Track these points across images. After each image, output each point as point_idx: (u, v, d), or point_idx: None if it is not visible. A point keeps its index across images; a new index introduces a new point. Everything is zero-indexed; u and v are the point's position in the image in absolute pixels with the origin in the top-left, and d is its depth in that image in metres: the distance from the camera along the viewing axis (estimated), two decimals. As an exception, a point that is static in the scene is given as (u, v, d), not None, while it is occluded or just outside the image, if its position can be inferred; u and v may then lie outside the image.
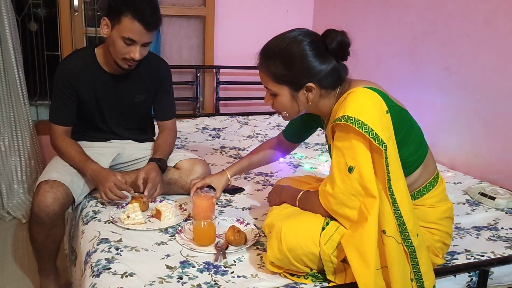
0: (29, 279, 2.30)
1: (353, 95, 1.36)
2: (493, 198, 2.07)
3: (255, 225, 1.77)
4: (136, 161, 2.15)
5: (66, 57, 2.08)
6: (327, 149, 2.09)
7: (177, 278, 1.41)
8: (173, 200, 1.98)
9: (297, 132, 1.82)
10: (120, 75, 2.00)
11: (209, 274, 1.44)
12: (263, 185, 2.25)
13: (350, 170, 1.32)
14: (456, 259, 1.59)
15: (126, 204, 1.84)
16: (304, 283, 1.42)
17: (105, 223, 1.76)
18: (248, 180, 2.29)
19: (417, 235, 1.32)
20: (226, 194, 2.08)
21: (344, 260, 1.36)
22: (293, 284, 1.41)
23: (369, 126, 1.29)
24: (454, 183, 2.37)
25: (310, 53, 1.38)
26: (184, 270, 1.46)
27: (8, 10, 2.75)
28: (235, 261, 1.53)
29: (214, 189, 1.85)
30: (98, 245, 1.58)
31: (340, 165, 1.35)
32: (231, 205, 1.99)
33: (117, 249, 1.56)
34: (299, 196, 1.53)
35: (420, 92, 2.83)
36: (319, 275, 1.43)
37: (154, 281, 1.39)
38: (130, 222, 1.73)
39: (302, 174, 2.32)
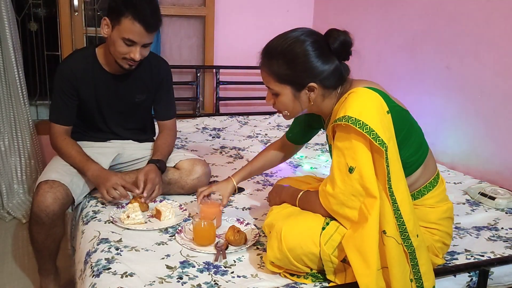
0: (29, 279, 2.30)
1: (354, 95, 1.36)
2: (493, 198, 2.07)
3: (255, 225, 1.77)
4: (136, 161, 2.15)
5: (67, 56, 2.08)
6: (328, 149, 2.08)
7: (177, 278, 1.41)
8: (173, 200, 1.98)
9: (300, 134, 1.82)
10: (120, 75, 2.00)
11: (209, 274, 1.44)
12: (263, 185, 2.25)
13: (351, 170, 1.32)
14: (456, 259, 1.59)
15: (126, 204, 1.84)
16: (304, 283, 1.41)
17: (105, 223, 1.76)
18: (248, 180, 2.28)
19: (417, 236, 1.32)
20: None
21: (344, 260, 1.37)
22: (293, 284, 1.41)
23: (369, 127, 1.29)
24: (454, 183, 2.37)
25: (313, 53, 1.38)
26: (184, 270, 1.46)
27: (8, 10, 2.75)
28: (235, 261, 1.53)
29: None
30: (98, 245, 1.58)
31: (340, 165, 1.35)
32: (231, 205, 1.99)
33: (117, 249, 1.56)
34: (299, 196, 1.53)
35: (420, 92, 2.83)
36: (319, 275, 1.43)
37: (154, 281, 1.39)
38: (130, 222, 1.73)
39: (302, 174, 2.32)
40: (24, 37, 3.21)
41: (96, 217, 1.81)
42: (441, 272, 1.43)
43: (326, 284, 1.42)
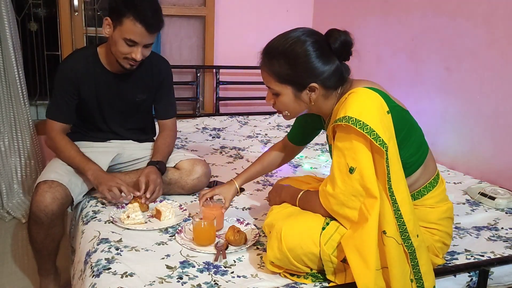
0: (29, 279, 2.30)
1: (354, 96, 1.36)
2: (493, 198, 2.07)
3: (255, 225, 1.77)
4: (136, 161, 2.15)
5: (68, 55, 2.08)
6: (328, 149, 2.08)
7: (177, 278, 1.41)
8: (173, 200, 1.98)
9: (301, 135, 1.81)
10: (122, 74, 2.00)
11: (209, 274, 1.44)
12: (263, 185, 2.25)
13: (351, 170, 1.32)
14: (456, 259, 1.59)
15: (126, 204, 1.84)
16: (304, 283, 1.41)
17: (105, 223, 1.76)
18: (248, 180, 2.28)
19: (417, 236, 1.32)
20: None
21: (344, 260, 1.36)
22: (293, 284, 1.41)
23: (370, 127, 1.29)
24: (454, 183, 2.37)
25: (313, 53, 1.38)
26: (184, 270, 1.46)
27: (8, 10, 2.75)
28: (235, 261, 1.53)
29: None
30: (98, 245, 1.58)
31: (341, 165, 1.35)
32: (231, 205, 1.98)
33: (117, 249, 1.56)
34: (299, 195, 1.53)
35: (420, 92, 2.83)
36: (319, 275, 1.43)
37: (154, 281, 1.39)
38: (130, 222, 1.73)
39: (302, 174, 2.32)
40: (24, 37, 3.21)
41: (96, 217, 1.81)
42: (441, 272, 1.43)
43: (326, 284, 1.42)
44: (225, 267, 1.49)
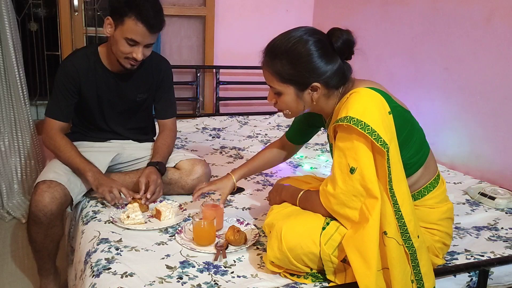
0: (29, 279, 2.30)
1: (355, 96, 1.36)
2: (493, 198, 2.07)
3: (255, 225, 1.77)
4: (136, 161, 2.15)
5: (69, 55, 2.08)
6: (328, 148, 2.07)
7: (177, 278, 1.41)
8: (173, 200, 1.98)
9: (300, 134, 1.81)
10: (122, 74, 2.00)
11: (209, 274, 1.45)
12: (263, 185, 2.25)
13: (352, 171, 1.32)
14: (456, 259, 1.59)
15: (126, 205, 1.84)
16: (304, 283, 1.41)
17: (105, 223, 1.76)
18: (248, 180, 2.29)
19: (418, 237, 1.32)
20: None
21: (344, 260, 1.37)
22: (293, 284, 1.41)
23: (371, 127, 1.29)
24: (454, 183, 2.37)
25: (316, 53, 1.37)
26: (184, 270, 1.46)
27: (8, 10, 2.75)
28: (235, 261, 1.53)
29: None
30: (98, 245, 1.58)
31: (341, 165, 1.35)
32: (231, 205, 1.99)
33: (117, 249, 1.56)
34: (299, 195, 1.53)
35: (420, 92, 2.83)
36: (319, 275, 1.43)
37: (154, 281, 1.39)
38: (130, 222, 1.73)
39: (302, 174, 2.32)
40: (24, 37, 3.21)
41: (96, 217, 1.81)
42: (441, 272, 1.43)
43: (326, 284, 1.42)
44: (225, 267, 1.49)
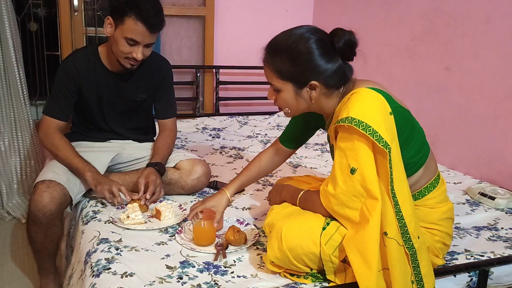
0: (28, 279, 2.30)
1: (356, 96, 1.35)
2: (493, 198, 2.07)
3: (255, 225, 1.77)
4: (136, 161, 2.15)
5: (69, 54, 2.08)
6: (328, 149, 2.07)
7: (177, 278, 1.41)
8: (173, 200, 1.98)
9: (295, 138, 1.77)
10: (122, 73, 2.00)
11: (209, 274, 1.44)
12: (263, 185, 2.25)
13: (353, 171, 1.32)
14: (456, 259, 1.59)
15: (126, 205, 1.84)
16: (304, 283, 1.41)
17: (105, 223, 1.76)
18: (248, 180, 2.28)
19: (418, 237, 1.32)
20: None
21: (344, 260, 1.36)
22: (293, 284, 1.41)
23: (373, 128, 1.28)
24: (454, 183, 2.37)
25: (316, 51, 1.37)
26: (184, 270, 1.46)
27: (8, 10, 2.75)
28: (235, 261, 1.53)
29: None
30: (98, 245, 1.58)
31: (342, 166, 1.35)
32: (231, 205, 1.98)
33: (117, 249, 1.56)
34: (299, 195, 1.53)
35: (420, 92, 2.83)
36: (319, 275, 1.43)
37: (154, 281, 1.39)
38: (130, 222, 1.73)
39: (302, 174, 2.32)
40: (24, 37, 3.21)
41: (96, 217, 1.81)
42: (441, 272, 1.43)
43: (326, 284, 1.42)
44: (225, 267, 1.49)
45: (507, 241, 1.73)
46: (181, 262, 1.51)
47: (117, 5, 1.82)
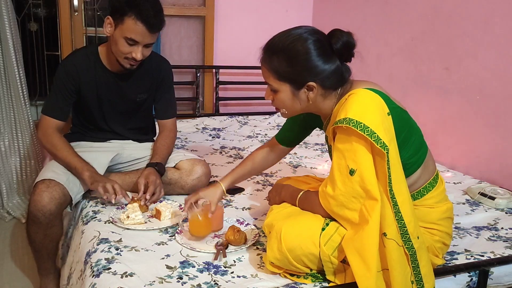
0: (28, 279, 2.30)
1: (354, 97, 1.35)
2: (493, 198, 2.07)
3: (255, 225, 1.78)
4: (136, 161, 2.15)
5: (69, 54, 2.08)
6: (327, 149, 2.08)
7: (177, 278, 1.41)
8: (173, 200, 1.98)
9: (292, 136, 1.78)
10: (122, 74, 2.00)
11: (209, 274, 1.45)
12: (263, 185, 2.25)
13: (351, 172, 1.32)
14: (456, 259, 1.59)
15: (126, 205, 1.84)
16: (304, 283, 1.42)
17: (105, 223, 1.76)
18: (248, 180, 2.28)
19: (418, 238, 1.32)
20: (227, 194, 2.07)
21: (344, 261, 1.36)
22: (293, 284, 1.41)
23: (371, 129, 1.28)
24: (454, 183, 2.37)
25: (314, 52, 1.37)
26: (184, 270, 1.46)
27: (8, 10, 2.75)
28: (235, 261, 1.53)
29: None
30: (98, 245, 1.58)
31: (341, 167, 1.35)
32: (231, 205, 1.99)
33: (117, 249, 1.56)
34: (299, 196, 1.53)
35: (420, 92, 2.83)
36: (319, 275, 1.43)
37: (154, 281, 1.39)
38: (130, 222, 1.73)
39: (302, 174, 2.32)
40: (24, 37, 3.21)
41: (96, 217, 1.81)
42: (441, 272, 1.43)
43: (326, 284, 1.42)
44: (225, 267, 1.49)
45: (507, 241, 1.73)
46: (181, 262, 1.51)
47: (117, 5, 1.83)
